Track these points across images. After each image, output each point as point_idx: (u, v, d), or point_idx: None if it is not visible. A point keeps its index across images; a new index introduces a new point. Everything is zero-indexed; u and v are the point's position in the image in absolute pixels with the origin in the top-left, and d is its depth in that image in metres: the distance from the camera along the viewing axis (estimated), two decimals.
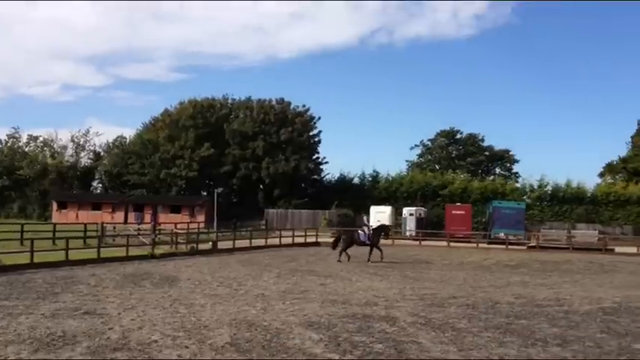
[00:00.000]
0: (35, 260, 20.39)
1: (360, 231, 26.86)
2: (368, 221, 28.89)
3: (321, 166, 61.57)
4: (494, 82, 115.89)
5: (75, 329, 9.94)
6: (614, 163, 66.84)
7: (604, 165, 69.09)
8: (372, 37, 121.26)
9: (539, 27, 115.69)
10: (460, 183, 56.28)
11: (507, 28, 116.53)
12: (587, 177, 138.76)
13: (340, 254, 25.49)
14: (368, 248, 25.99)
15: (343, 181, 60.93)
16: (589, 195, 53.47)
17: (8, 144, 70.99)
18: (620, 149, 76.46)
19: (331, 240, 28.83)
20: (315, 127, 60.14)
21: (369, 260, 25.13)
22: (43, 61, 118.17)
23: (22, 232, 29.13)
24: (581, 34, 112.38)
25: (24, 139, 71.46)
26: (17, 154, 68.68)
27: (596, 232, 43.23)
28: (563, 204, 53.18)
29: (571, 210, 52.49)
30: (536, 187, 55.52)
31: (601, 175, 68.17)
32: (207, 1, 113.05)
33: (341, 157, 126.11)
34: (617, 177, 63.31)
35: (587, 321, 11.85)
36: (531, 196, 54.73)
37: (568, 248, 37.06)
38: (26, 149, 70.69)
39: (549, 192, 54.58)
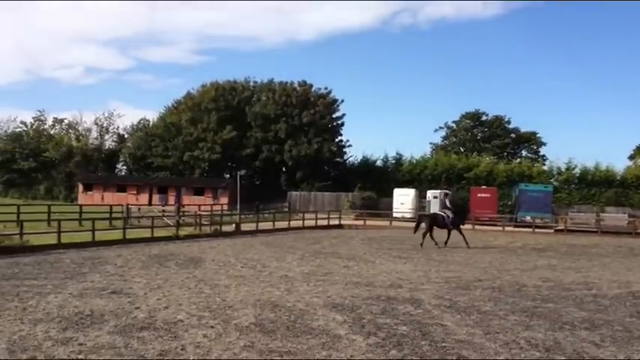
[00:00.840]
0: (62, 241, 20.72)
1: (442, 213, 26.40)
2: (450, 204, 27.48)
3: (344, 149, 61.48)
4: (521, 63, 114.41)
5: (102, 308, 10.04)
6: None
7: (634, 147, 67.84)
8: (394, 19, 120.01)
9: (567, 5, 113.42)
10: (486, 166, 55.64)
11: (534, 6, 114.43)
12: (617, 159, 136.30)
13: (423, 237, 24.84)
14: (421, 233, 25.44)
15: (366, 164, 60.70)
16: (618, 178, 52.43)
17: (34, 127, 72.09)
18: None
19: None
20: (338, 110, 59.95)
21: (446, 244, 24.70)
22: (66, 45, 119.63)
23: (49, 213, 29.61)
24: (609, 12, 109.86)
25: (49, 121, 72.79)
26: (43, 137, 69.77)
27: (626, 215, 42.55)
28: (591, 187, 52.27)
29: (600, 193, 51.56)
30: (563, 170, 54.67)
31: (631, 157, 66.96)
32: None
33: (364, 139, 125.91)
34: None
35: (615, 305, 11.65)
36: (559, 179, 53.95)
37: (597, 232, 36.50)
38: (52, 132, 71.79)
39: (577, 175, 53.73)
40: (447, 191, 48.91)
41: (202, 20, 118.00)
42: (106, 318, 9.33)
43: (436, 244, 24.64)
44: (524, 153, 73.68)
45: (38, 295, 11.25)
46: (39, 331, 8.39)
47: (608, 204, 49.60)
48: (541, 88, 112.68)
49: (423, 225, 26.08)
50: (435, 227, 25.57)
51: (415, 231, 26.18)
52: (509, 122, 74.23)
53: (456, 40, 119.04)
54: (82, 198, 55.06)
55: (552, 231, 38.03)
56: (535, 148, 73.85)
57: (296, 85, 60.31)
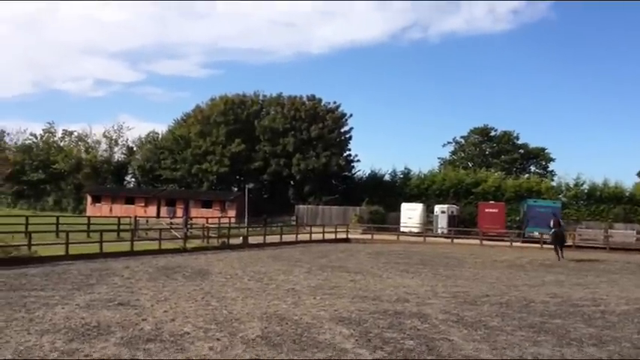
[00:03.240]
0: (70, 252, 20.77)
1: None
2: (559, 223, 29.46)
3: (352, 163, 61.49)
4: (530, 78, 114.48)
5: (109, 320, 10.06)
6: None
7: None
8: (404, 33, 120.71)
9: (577, 23, 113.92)
10: (494, 181, 55.44)
11: (545, 23, 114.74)
12: (626, 176, 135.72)
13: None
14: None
15: (374, 178, 60.64)
16: (627, 194, 52.12)
17: (44, 138, 72.61)
18: None
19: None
20: (346, 124, 60.08)
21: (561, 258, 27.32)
22: (75, 57, 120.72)
23: (57, 224, 29.70)
24: (620, 31, 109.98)
25: (59, 133, 73.35)
26: (52, 149, 70.24)
27: (635, 232, 42.25)
28: (600, 203, 52.00)
29: (608, 209, 51.28)
30: (572, 186, 54.40)
31: None
32: None
33: (372, 154, 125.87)
34: None
35: (624, 321, 11.56)
36: (567, 195, 53.68)
37: (605, 248, 36.28)
38: (61, 144, 72.27)
39: (586, 191, 53.46)
40: (456, 206, 48.90)
41: (212, 33, 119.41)
42: (113, 329, 9.34)
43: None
44: (532, 169, 73.52)
45: (45, 306, 11.29)
46: (45, 342, 8.42)
47: (616, 220, 49.28)
48: (550, 103, 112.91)
49: None
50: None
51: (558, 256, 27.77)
52: (517, 138, 74.24)
53: (466, 54, 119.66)
54: (91, 210, 55.30)
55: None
56: (544, 163, 73.68)
57: (305, 99, 60.52)
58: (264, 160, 57.94)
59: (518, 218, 47.86)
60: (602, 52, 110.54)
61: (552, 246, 29.11)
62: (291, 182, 59.21)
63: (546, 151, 73.19)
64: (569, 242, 38.51)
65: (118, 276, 16.23)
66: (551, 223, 29.06)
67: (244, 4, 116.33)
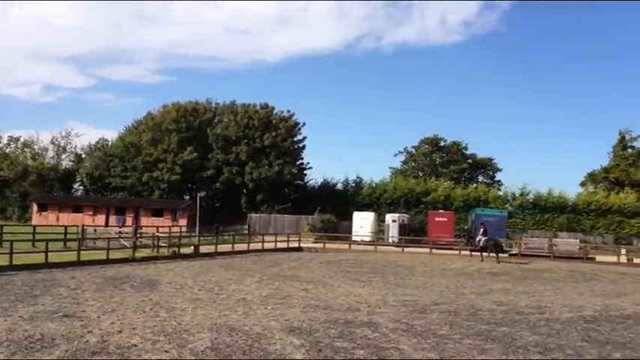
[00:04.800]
0: (14, 262, 20.16)
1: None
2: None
3: (305, 172, 61.50)
4: (479, 89, 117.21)
5: (54, 332, 9.81)
6: (596, 172, 67.51)
7: (586, 174, 69.81)
8: (358, 43, 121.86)
9: (525, 33, 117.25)
10: (443, 190, 56.43)
11: (494, 35, 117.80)
12: (569, 186, 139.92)
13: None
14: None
15: (326, 187, 60.88)
16: (570, 204, 53.83)
17: None
18: (601, 159, 77.45)
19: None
20: (300, 133, 60.11)
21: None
22: (23, 61, 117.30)
23: (1, 233, 28.76)
24: (564, 43, 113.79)
25: (4, 140, 71.00)
26: None
27: (578, 240, 43.55)
28: (544, 212, 53.54)
29: (553, 219, 52.87)
30: (518, 196, 55.84)
31: (583, 184, 68.79)
32: (192, 2, 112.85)
33: (325, 162, 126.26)
34: (599, 186, 63.87)
35: (568, 329, 11.92)
36: (513, 205, 55.04)
37: (549, 256, 37.28)
38: (7, 150, 70.01)
39: (531, 200, 54.92)
40: (406, 215, 49.49)
41: (165, 39, 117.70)
42: (57, 342, 9.11)
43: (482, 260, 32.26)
44: (480, 178, 75.07)
45: None
46: None
47: (560, 229, 50.84)
48: (498, 114, 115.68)
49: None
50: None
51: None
52: (466, 148, 75.73)
53: (417, 65, 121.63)
54: (37, 218, 53.70)
55: (507, 255, 38.63)
56: (491, 173, 75.48)
57: (258, 107, 60.33)
58: (216, 168, 57.42)
59: (466, 227, 48.77)
60: (547, 64, 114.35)
61: (479, 252, 33.68)
62: (244, 191, 58.84)
63: (493, 161, 75.03)
64: (514, 251, 39.51)
65: (63, 287, 15.82)
66: (481, 231, 33.91)
67: (199, 10, 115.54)
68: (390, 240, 44.78)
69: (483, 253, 33.23)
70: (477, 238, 34.37)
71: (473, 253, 35.18)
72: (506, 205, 54.14)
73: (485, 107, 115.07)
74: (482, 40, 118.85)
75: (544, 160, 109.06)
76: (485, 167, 75.29)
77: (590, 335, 11.31)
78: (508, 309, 14.45)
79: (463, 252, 38.48)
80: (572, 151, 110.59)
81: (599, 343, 10.63)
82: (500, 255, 33.09)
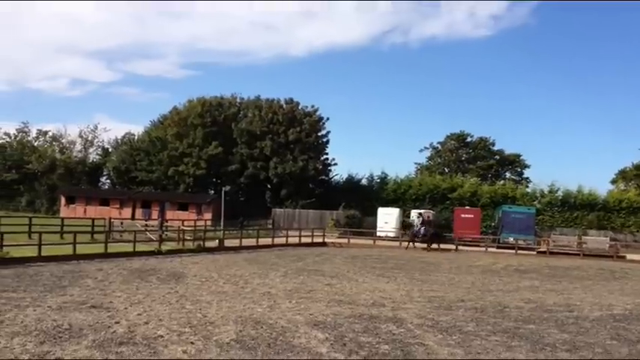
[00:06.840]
0: (43, 254, 20.45)
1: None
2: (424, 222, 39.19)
3: (329, 167, 61.46)
4: (507, 85, 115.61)
5: (81, 322, 9.91)
6: (627, 169, 66.30)
7: (617, 172, 68.66)
8: (385, 37, 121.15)
9: (556, 29, 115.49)
10: (469, 186, 55.84)
11: (524, 29, 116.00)
12: (600, 183, 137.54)
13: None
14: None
15: (351, 182, 60.74)
16: (601, 201, 52.78)
17: (17, 138, 71.54)
18: (633, 156, 75.92)
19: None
20: (324, 128, 60.01)
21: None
22: (51, 56, 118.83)
23: (30, 225, 29.24)
24: (596, 40, 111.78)
25: (33, 133, 72.36)
26: (26, 149, 69.18)
27: (608, 238, 42.84)
28: (574, 210, 52.65)
29: (582, 216, 51.95)
30: (546, 193, 54.99)
31: (613, 181, 67.70)
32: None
33: (350, 158, 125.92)
34: (630, 184, 62.73)
35: (597, 327, 11.71)
36: (542, 202, 54.21)
37: (579, 254, 36.73)
38: (35, 144, 71.27)
39: (560, 198, 54.05)
40: (432, 211, 49.14)
41: (191, 34, 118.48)
42: (85, 332, 9.20)
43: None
44: (507, 175, 74.30)
45: (16, 307, 11.08)
46: (16, 345, 8.26)
47: (590, 227, 49.99)
48: (526, 110, 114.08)
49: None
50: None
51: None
52: (493, 144, 74.96)
53: (445, 60, 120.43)
54: (65, 211, 54.52)
55: (535, 253, 38.20)
56: (519, 170, 74.52)
57: (282, 102, 60.41)
58: (241, 163, 57.68)
59: (493, 224, 48.30)
60: (580, 59, 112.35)
61: (420, 242, 37.95)
62: (268, 185, 59.02)
63: (521, 157, 74.12)
64: (542, 248, 39.03)
65: (91, 278, 16.01)
66: (420, 222, 39.54)
67: (224, 4, 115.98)
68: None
69: (416, 243, 37.93)
70: (417, 229, 38.95)
71: (415, 243, 38.39)
72: (535, 202, 53.35)
73: (513, 103, 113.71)
74: (511, 34, 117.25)
75: (573, 157, 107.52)
76: (513, 164, 74.36)
77: (620, 334, 11.08)
78: (536, 306, 14.24)
79: (490, 249, 38.15)
80: (602, 148, 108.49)
81: (629, 341, 10.41)
82: (436, 246, 36.77)
